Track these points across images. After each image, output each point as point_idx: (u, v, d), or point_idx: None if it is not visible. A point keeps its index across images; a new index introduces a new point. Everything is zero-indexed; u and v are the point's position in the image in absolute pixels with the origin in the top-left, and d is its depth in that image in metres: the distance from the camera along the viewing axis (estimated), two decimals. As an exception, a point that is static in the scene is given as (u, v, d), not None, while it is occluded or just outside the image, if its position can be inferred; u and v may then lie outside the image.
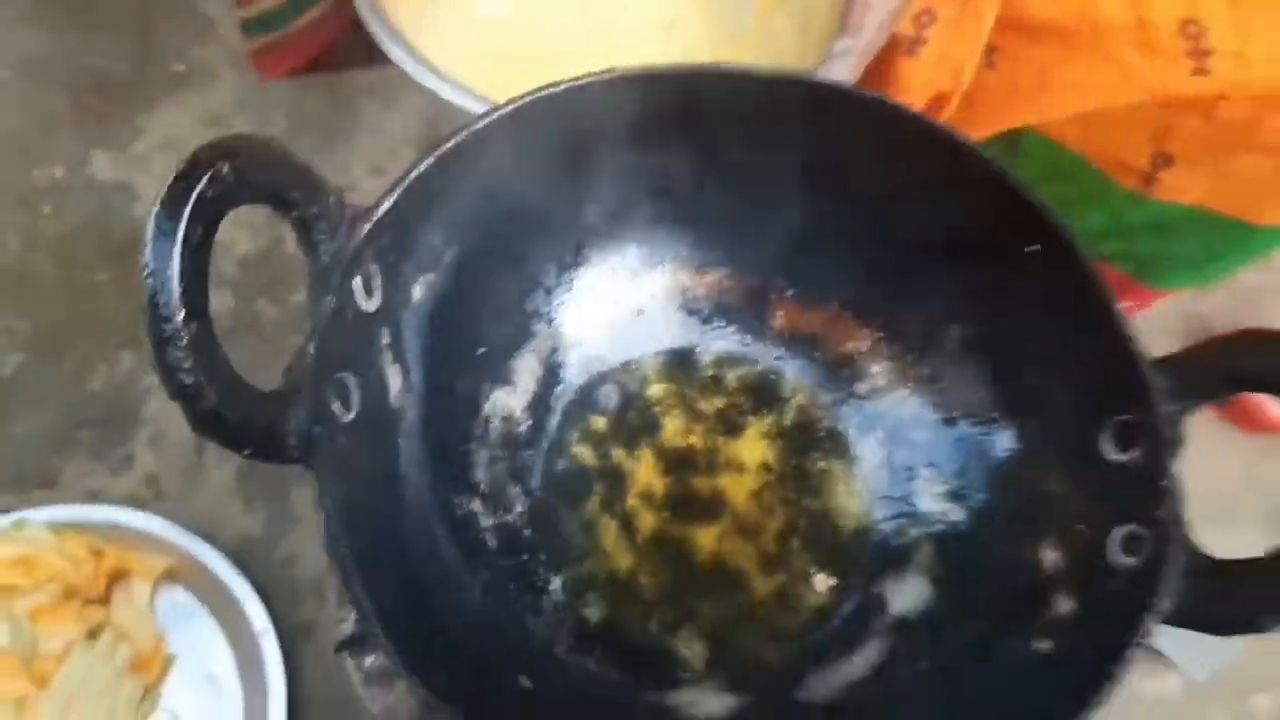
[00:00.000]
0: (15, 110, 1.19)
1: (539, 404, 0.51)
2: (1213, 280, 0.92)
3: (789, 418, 0.53)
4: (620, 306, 0.53)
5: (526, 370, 0.51)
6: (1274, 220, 0.78)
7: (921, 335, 0.51)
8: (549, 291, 0.52)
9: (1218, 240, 0.82)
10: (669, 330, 0.54)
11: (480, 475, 0.49)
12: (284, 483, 0.99)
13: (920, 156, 0.48)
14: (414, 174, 0.43)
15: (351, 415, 0.41)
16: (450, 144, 0.44)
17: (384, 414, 0.44)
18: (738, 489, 0.51)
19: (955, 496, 0.50)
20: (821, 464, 0.52)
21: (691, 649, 0.47)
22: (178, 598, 0.94)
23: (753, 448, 0.52)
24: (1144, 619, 0.40)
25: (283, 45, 0.95)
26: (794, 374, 0.54)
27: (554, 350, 0.52)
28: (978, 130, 0.80)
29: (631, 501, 0.51)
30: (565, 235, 0.51)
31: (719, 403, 0.53)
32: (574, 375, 0.53)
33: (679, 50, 0.72)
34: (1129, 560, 0.42)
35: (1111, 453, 0.45)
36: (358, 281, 0.42)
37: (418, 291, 0.46)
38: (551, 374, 0.52)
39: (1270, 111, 0.70)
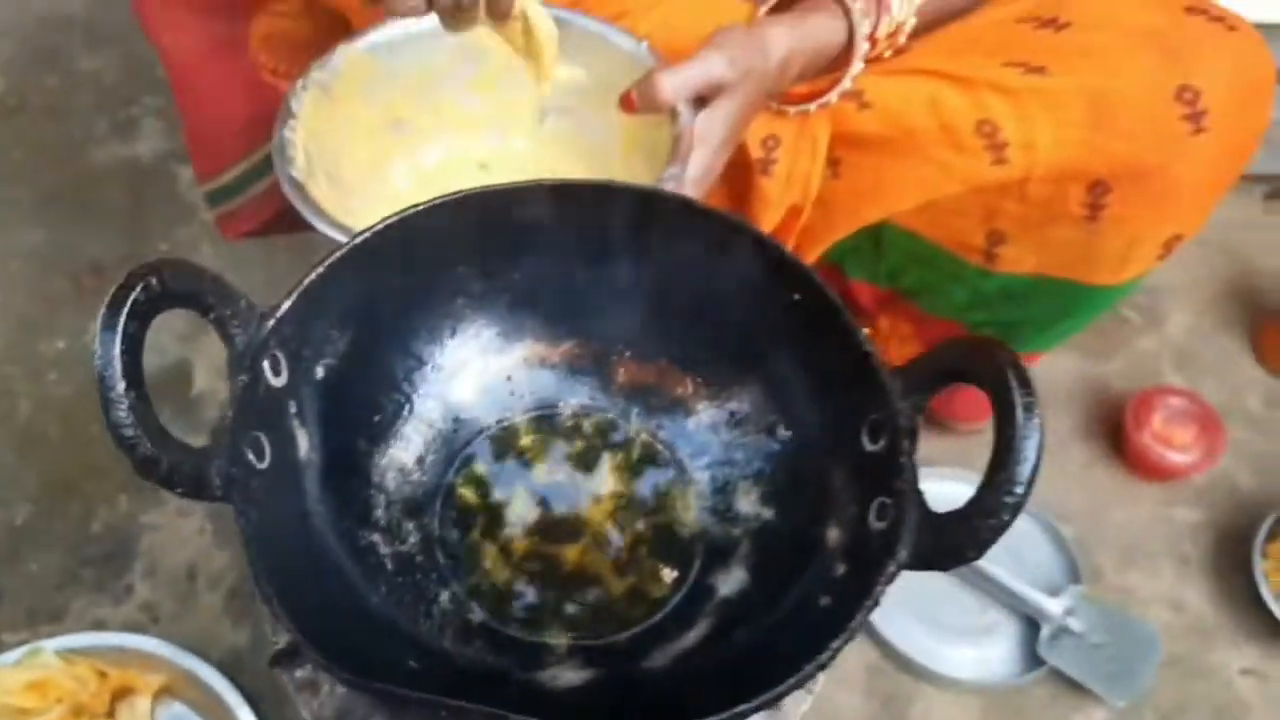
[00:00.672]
0: (23, 294, 1.35)
1: (428, 457, 0.63)
2: (1065, 338, 1.03)
3: (635, 453, 0.65)
4: (491, 375, 0.66)
5: (415, 431, 0.63)
6: (1101, 279, 0.90)
7: (729, 378, 0.64)
8: (430, 366, 0.64)
9: (1061, 302, 0.94)
10: (533, 390, 0.66)
11: (379, 514, 0.60)
12: (265, 601, 1.09)
13: (709, 238, 0.61)
14: (307, 280, 0.56)
15: (265, 464, 0.53)
16: (335, 256, 0.57)
17: (294, 466, 0.56)
18: (596, 513, 0.63)
19: (765, 499, 0.62)
20: (663, 487, 0.64)
21: (557, 639, 0.58)
22: (176, 710, 1.05)
23: (606, 479, 0.64)
24: (890, 565, 0.51)
25: (242, 210, 1.09)
26: (637, 418, 0.66)
27: (439, 414, 0.64)
28: (838, 231, 0.94)
29: (508, 530, 0.62)
30: (440, 321, 0.64)
31: (578, 446, 0.65)
32: (457, 432, 0.65)
33: None
34: (880, 524, 0.53)
35: (869, 445, 0.56)
36: (266, 364, 0.55)
37: (319, 371, 0.58)
38: (437, 433, 0.64)
39: (1070, 185, 0.82)
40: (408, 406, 0.64)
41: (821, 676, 0.60)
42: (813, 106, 0.82)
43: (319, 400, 0.58)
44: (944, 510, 0.51)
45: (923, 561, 0.51)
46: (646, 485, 0.64)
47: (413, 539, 0.61)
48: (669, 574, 0.61)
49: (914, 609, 1.14)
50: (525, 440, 0.65)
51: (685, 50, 0.76)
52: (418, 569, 0.60)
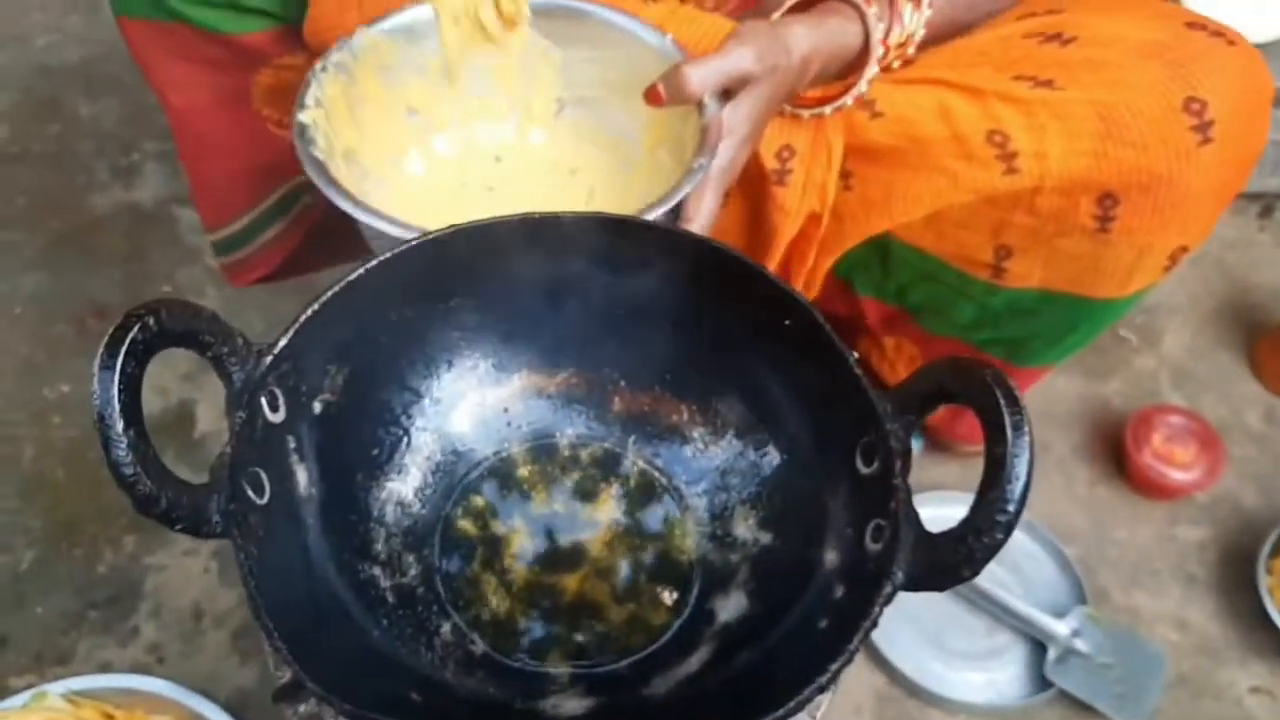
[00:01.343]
0: (26, 339, 1.36)
1: (426, 490, 0.64)
2: (1071, 353, 1.03)
3: (633, 481, 0.65)
4: (488, 407, 0.66)
5: (414, 465, 0.64)
6: (1107, 293, 0.90)
7: (723, 404, 0.65)
8: (428, 400, 0.65)
9: (1067, 316, 0.95)
10: (530, 421, 0.67)
11: (379, 548, 0.61)
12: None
13: (698, 266, 0.62)
14: (303, 317, 0.57)
15: (265, 500, 0.54)
16: (330, 293, 0.58)
17: (293, 501, 0.57)
18: (595, 542, 0.64)
19: (763, 524, 0.62)
20: (661, 514, 0.64)
21: (559, 669, 0.59)
22: (184, 749, 1.04)
23: (604, 508, 0.65)
24: (887, 586, 0.52)
25: (249, 259, 1.11)
26: (634, 446, 0.66)
27: (437, 446, 0.65)
28: (849, 240, 0.95)
29: (508, 561, 0.63)
30: (436, 354, 0.65)
31: (576, 475, 0.66)
32: (455, 465, 0.65)
33: (583, 189, 0.85)
34: (876, 546, 0.54)
35: (863, 467, 0.57)
36: (264, 400, 0.55)
37: (317, 407, 0.59)
38: (436, 465, 0.65)
39: (1080, 196, 0.83)
40: (406, 440, 0.64)
41: (824, 699, 0.61)
42: (828, 110, 0.83)
43: (317, 435, 0.59)
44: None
45: (919, 582, 0.52)
46: (645, 513, 0.65)
47: (413, 571, 0.61)
48: (669, 600, 0.61)
49: (920, 634, 1.14)
50: (523, 471, 0.66)
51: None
52: (418, 601, 0.60)
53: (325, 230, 1.10)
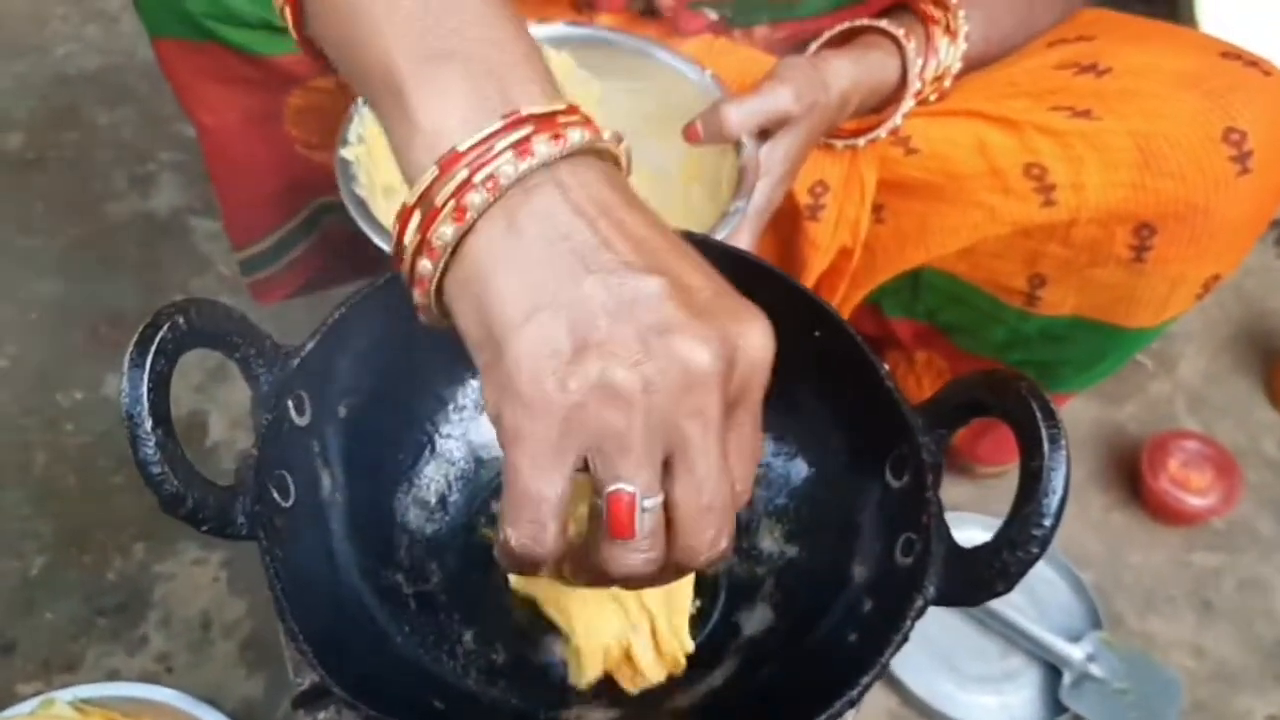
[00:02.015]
0: (41, 345, 1.36)
1: (450, 497, 0.63)
2: (1099, 380, 1.03)
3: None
4: (512, 415, 0.66)
5: (438, 470, 0.63)
6: (1140, 322, 0.90)
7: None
8: (452, 407, 0.65)
9: (1099, 343, 0.94)
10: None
11: (402, 554, 0.60)
12: (280, 651, 1.09)
13: (730, 276, 0.61)
14: (331, 321, 0.57)
15: (290, 503, 0.54)
16: (358, 297, 0.58)
17: (318, 504, 0.56)
18: (619, 552, 0.63)
19: (789, 537, 0.61)
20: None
21: (581, 679, 0.58)
22: (191, 759, 1.03)
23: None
24: (918, 600, 0.51)
25: (275, 277, 1.11)
26: (659, 457, 0.66)
27: (461, 454, 0.64)
28: (881, 275, 0.94)
29: (531, 570, 0.62)
30: (462, 361, 0.64)
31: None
32: (479, 471, 0.65)
33: None
34: (906, 560, 0.53)
35: (893, 481, 0.56)
36: (290, 403, 0.55)
37: (342, 411, 0.58)
38: (460, 473, 0.64)
39: (1116, 227, 0.82)
40: (430, 446, 0.64)
41: (850, 714, 0.60)
42: (861, 141, 0.83)
43: (342, 439, 0.58)
44: (963, 552, 0.51)
45: (951, 596, 0.51)
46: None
47: (435, 578, 0.61)
48: (693, 612, 0.60)
49: (934, 655, 1.13)
50: (547, 480, 0.65)
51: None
52: (441, 609, 0.60)
53: (349, 249, 1.10)
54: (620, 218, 0.41)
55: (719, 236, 0.71)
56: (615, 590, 0.59)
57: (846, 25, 0.83)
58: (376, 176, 0.77)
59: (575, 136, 0.41)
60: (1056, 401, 1.05)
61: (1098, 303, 0.90)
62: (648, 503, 0.39)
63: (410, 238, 0.41)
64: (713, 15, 0.89)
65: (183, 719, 1.03)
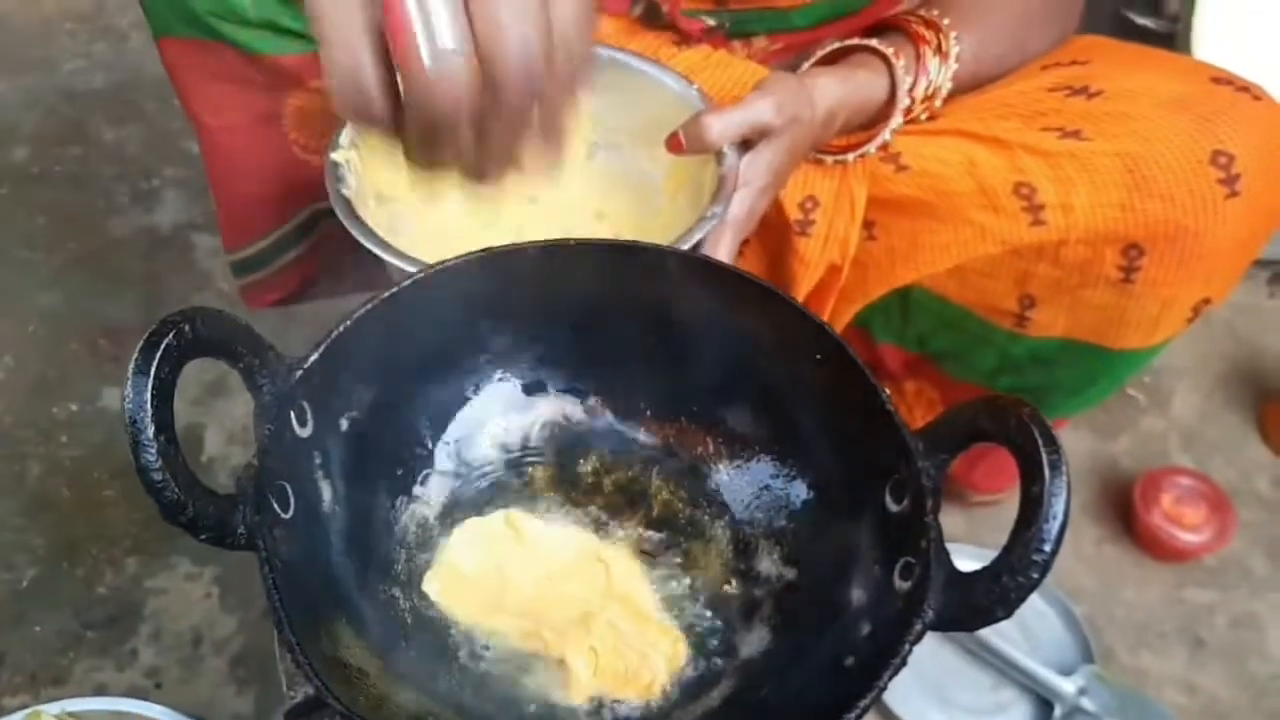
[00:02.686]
0: (39, 357, 1.36)
1: (449, 512, 0.63)
2: (1093, 404, 1.03)
3: (655, 511, 0.65)
4: (514, 431, 0.66)
5: (437, 486, 0.63)
6: (1130, 344, 0.90)
7: (751, 437, 0.64)
8: (452, 421, 0.65)
9: (1089, 366, 0.95)
10: (555, 447, 0.67)
11: (400, 568, 0.60)
12: (271, 667, 1.08)
13: (731, 298, 0.62)
14: (336, 333, 0.57)
15: (290, 514, 0.54)
16: (364, 309, 0.58)
17: (317, 516, 0.56)
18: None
19: (787, 559, 0.61)
20: (684, 546, 0.64)
21: (576, 694, 0.58)
22: (176, 777, 1.02)
23: (628, 536, 0.64)
24: (917, 625, 0.51)
25: (267, 281, 1.11)
26: (658, 475, 0.66)
27: (459, 468, 0.65)
28: (873, 292, 0.95)
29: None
30: (464, 376, 0.65)
31: (599, 502, 0.65)
32: (479, 488, 0.65)
33: (608, 232, 0.86)
34: (905, 584, 0.53)
35: (892, 505, 0.56)
36: (292, 414, 0.55)
37: (344, 423, 0.59)
38: (459, 488, 0.64)
39: (1105, 248, 0.83)
40: (430, 460, 0.64)
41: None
42: (850, 157, 0.84)
43: (343, 452, 0.58)
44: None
45: (949, 621, 0.51)
46: (668, 545, 0.64)
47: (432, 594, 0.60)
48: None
49: (926, 686, 1.12)
50: (546, 496, 0.65)
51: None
52: (437, 625, 0.59)
53: (343, 257, 1.10)
54: None
55: (693, 239, 0.72)
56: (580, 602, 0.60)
57: (837, 44, 0.84)
58: (368, 181, 0.78)
59: None
60: (1051, 429, 1.06)
61: (1088, 324, 0.90)
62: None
63: None
64: (710, 21, 0.90)
65: (170, 735, 1.02)
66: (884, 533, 0.56)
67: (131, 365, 0.49)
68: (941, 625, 0.51)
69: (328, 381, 0.57)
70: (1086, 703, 1.09)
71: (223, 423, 1.28)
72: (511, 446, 0.66)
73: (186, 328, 0.50)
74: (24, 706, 0.99)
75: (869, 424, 0.57)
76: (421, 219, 0.83)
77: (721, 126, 0.73)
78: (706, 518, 0.64)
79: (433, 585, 0.61)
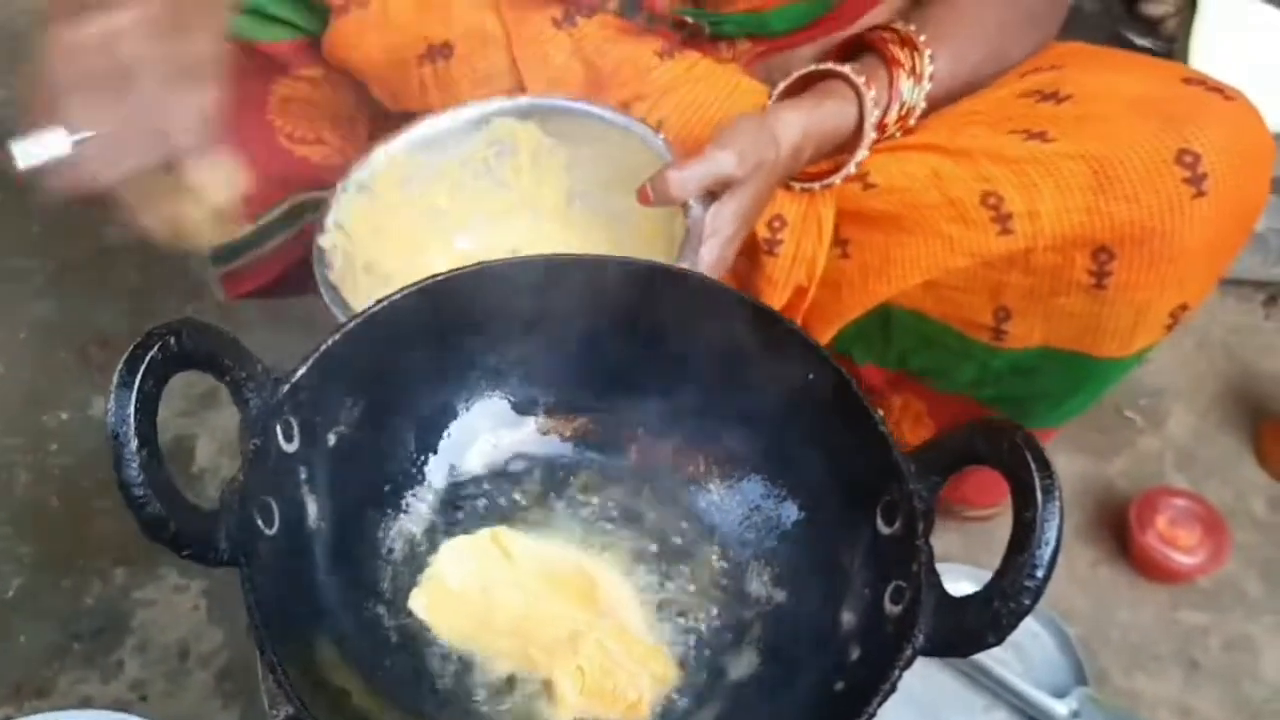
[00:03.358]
0: (30, 365, 1.35)
1: (436, 529, 0.63)
2: (1075, 415, 1.03)
3: (645, 530, 0.64)
4: (502, 448, 0.66)
5: (424, 503, 0.63)
6: (1109, 352, 0.90)
7: (742, 457, 0.64)
8: (443, 438, 0.64)
9: (1070, 375, 0.94)
10: (544, 465, 0.66)
11: (385, 585, 0.60)
12: (256, 681, 1.07)
13: (725, 317, 0.61)
14: (323, 347, 0.57)
15: (274, 531, 0.53)
16: (353, 324, 0.58)
17: (302, 533, 0.56)
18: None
19: (777, 581, 0.61)
20: (673, 566, 0.63)
21: (562, 713, 0.57)
22: (160, 791, 1.01)
23: (617, 555, 0.64)
24: (907, 650, 0.50)
25: (246, 269, 1.10)
26: (648, 495, 0.65)
27: (446, 485, 0.64)
28: (849, 311, 0.94)
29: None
30: (453, 393, 0.64)
31: (588, 521, 0.65)
32: (466, 505, 0.64)
33: None
34: (895, 608, 0.53)
35: (883, 528, 0.56)
36: (279, 429, 0.55)
37: (330, 438, 0.58)
38: (446, 505, 0.64)
39: (1075, 252, 0.83)
40: (417, 477, 0.63)
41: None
42: (817, 186, 0.84)
43: (329, 468, 0.58)
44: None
45: (940, 646, 0.51)
46: (659, 567, 0.63)
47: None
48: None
49: (918, 708, 1.11)
50: (535, 515, 0.65)
51: (703, 135, 0.78)
52: (422, 643, 0.59)
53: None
54: None
55: None
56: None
57: (810, 69, 0.84)
58: (357, 257, 0.80)
59: None
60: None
61: (1065, 333, 0.90)
62: None
63: None
64: (688, 19, 0.89)
65: (153, 749, 1.01)
66: (875, 555, 0.56)
67: (115, 377, 0.48)
68: (932, 650, 0.51)
69: (315, 396, 0.57)
70: (1080, 725, 1.09)
71: (214, 434, 1.27)
72: (501, 464, 0.66)
73: (172, 340, 0.50)
74: (7, 718, 0.98)
75: (861, 445, 0.56)
76: (411, 276, 0.84)
77: (681, 181, 0.73)
78: (696, 538, 0.64)
79: (419, 602, 0.60)
